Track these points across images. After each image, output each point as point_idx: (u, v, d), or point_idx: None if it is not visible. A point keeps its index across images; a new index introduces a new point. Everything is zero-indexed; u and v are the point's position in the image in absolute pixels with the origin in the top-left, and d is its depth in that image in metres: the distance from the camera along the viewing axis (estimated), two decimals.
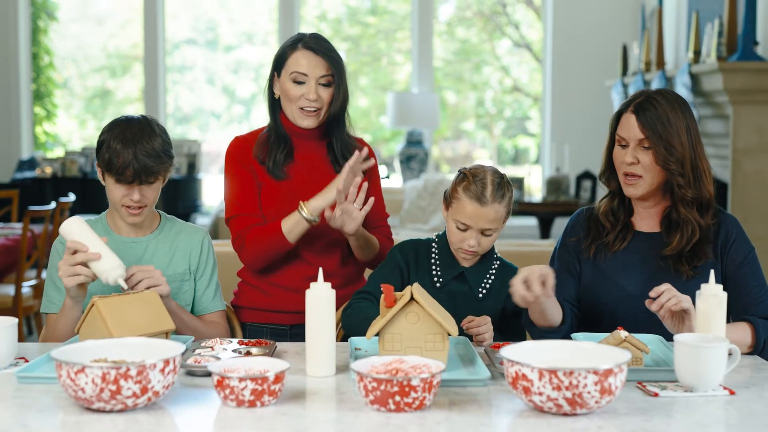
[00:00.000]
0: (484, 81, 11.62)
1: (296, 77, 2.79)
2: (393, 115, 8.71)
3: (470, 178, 2.57)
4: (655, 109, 2.48)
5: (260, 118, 11.11)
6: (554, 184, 7.90)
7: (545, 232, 7.89)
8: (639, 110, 2.49)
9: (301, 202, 2.73)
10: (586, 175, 8.03)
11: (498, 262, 2.72)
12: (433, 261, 2.68)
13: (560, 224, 8.27)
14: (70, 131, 10.99)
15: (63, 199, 6.19)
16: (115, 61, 11.14)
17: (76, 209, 7.86)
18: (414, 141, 8.87)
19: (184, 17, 10.77)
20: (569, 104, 8.77)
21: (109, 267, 2.36)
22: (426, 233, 7.51)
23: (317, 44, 2.81)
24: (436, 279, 2.67)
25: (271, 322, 2.90)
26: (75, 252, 2.37)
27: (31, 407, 1.91)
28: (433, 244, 2.71)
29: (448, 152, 12.40)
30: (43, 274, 5.91)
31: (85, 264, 2.37)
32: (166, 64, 9.58)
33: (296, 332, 2.88)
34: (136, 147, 2.51)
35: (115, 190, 2.57)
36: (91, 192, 8.29)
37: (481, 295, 2.66)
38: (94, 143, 10.87)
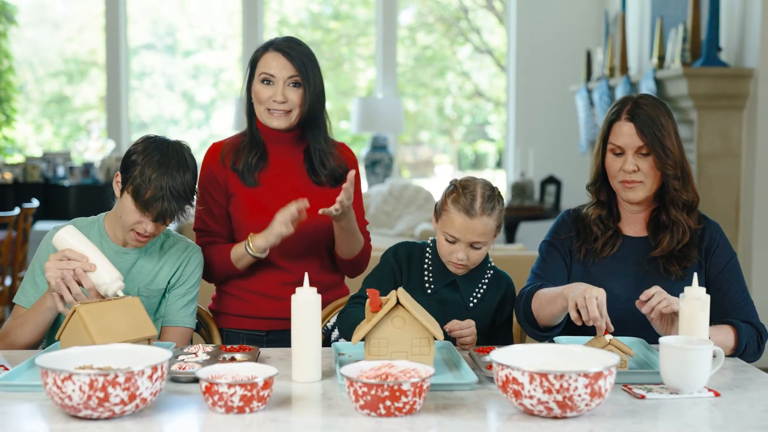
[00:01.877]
0: (445, 87, 11.66)
1: (265, 77, 2.78)
2: (357, 120, 8.70)
3: (460, 190, 2.55)
4: (647, 115, 2.48)
5: (220, 123, 11.05)
6: (519, 189, 7.93)
7: (510, 237, 7.91)
8: (634, 117, 2.49)
9: (250, 235, 2.74)
10: (551, 179, 8.07)
11: (491, 271, 2.70)
12: (425, 267, 2.67)
13: (525, 229, 8.29)
14: (26, 136, 10.86)
15: (26, 205, 6.11)
16: (73, 66, 11.03)
17: (39, 215, 7.75)
18: (379, 146, 8.87)
19: (142, 22, 10.69)
20: (533, 109, 8.81)
21: (110, 279, 2.34)
22: (392, 238, 7.50)
23: (287, 45, 2.79)
24: (427, 285, 2.65)
25: (247, 328, 2.88)
26: (69, 259, 2.33)
27: (16, 416, 1.88)
28: (428, 249, 2.69)
29: (409, 157, 12.43)
30: (7, 281, 5.83)
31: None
32: (128, 70, 9.49)
33: (272, 338, 2.86)
34: (168, 181, 2.47)
35: (131, 213, 2.50)
36: (53, 198, 8.18)
37: (472, 304, 2.64)
38: (52, 148, 10.71)
